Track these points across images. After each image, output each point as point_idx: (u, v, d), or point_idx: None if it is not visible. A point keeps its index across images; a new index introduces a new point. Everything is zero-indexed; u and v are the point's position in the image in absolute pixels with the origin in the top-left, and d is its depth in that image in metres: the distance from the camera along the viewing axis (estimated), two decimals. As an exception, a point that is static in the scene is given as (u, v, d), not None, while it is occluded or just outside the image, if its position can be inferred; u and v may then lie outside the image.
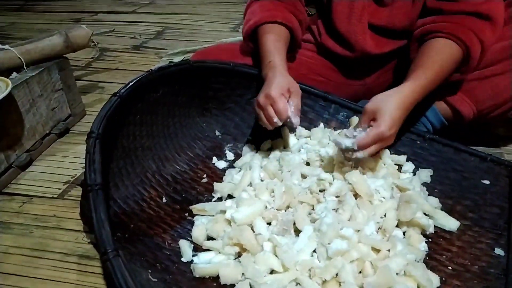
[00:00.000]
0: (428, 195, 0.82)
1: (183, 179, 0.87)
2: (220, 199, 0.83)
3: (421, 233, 0.74)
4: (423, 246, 0.71)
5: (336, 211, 0.72)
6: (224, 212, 0.75)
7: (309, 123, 0.96)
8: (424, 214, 0.75)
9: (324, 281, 0.62)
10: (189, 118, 0.97)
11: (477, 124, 1.02)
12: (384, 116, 0.74)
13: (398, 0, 0.92)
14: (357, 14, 0.94)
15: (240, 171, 0.88)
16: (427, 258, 0.71)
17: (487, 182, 0.83)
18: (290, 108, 0.79)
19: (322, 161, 0.84)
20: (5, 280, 0.74)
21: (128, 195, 0.76)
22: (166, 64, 0.88)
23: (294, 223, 0.71)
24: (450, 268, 0.69)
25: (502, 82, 0.90)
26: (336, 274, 0.63)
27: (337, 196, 0.74)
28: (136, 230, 0.71)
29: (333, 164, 0.83)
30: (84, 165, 0.63)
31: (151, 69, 0.82)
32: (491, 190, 0.82)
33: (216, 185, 0.84)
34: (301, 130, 0.93)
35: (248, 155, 0.92)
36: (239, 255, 0.69)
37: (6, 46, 1.05)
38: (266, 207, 0.75)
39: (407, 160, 0.89)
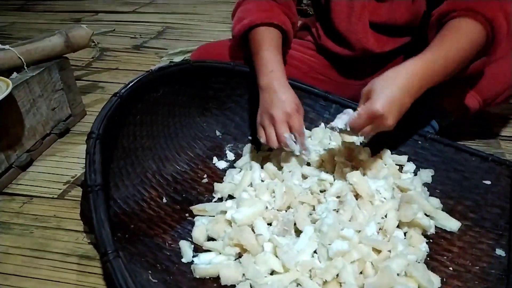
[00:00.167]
0: (429, 195, 0.82)
1: (184, 179, 0.87)
2: (220, 199, 0.83)
3: (422, 234, 0.74)
4: (424, 247, 0.71)
5: (337, 211, 0.71)
6: (224, 212, 0.75)
7: (309, 123, 0.96)
8: (425, 214, 0.75)
9: (325, 282, 0.62)
10: (189, 118, 0.97)
11: (480, 119, 1.01)
12: (377, 93, 0.67)
13: None
14: (357, 13, 0.93)
15: (240, 171, 0.88)
16: (428, 258, 0.70)
17: (488, 182, 0.83)
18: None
19: (322, 161, 0.84)
20: (5, 280, 0.74)
21: (128, 195, 0.76)
22: (167, 64, 0.88)
23: (295, 224, 0.71)
24: (451, 268, 0.69)
25: (501, 68, 0.88)
26: (337, 275, 0.63)
27: (337, 197, 0.74)
28: (136, 230, 0.71)
29: (334, 165, 0.83)
30: (84, 165, 0.63)
31: (151, 69, 0.82)
32: (492, 190, 0.82)
33: (217, 186, 0.84)
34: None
35: (249, 155, 0.91)
36: (239, 255, 0.69)
37: (7, 46, 1.04)
38: (266, 207, 0.75)
39: (408, 160, 0.89)
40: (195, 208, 0.79)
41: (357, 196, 0.75)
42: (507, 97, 0.93)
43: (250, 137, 0.99)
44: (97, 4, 2.43)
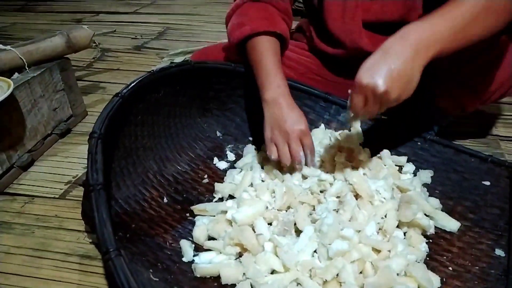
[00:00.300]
0: (429, 196, 0.82)
1: (184, 180, 0.88)
2: (221, 199, 0.83)
3: (422, 234, 0.74)
4: (423, 247, 0.71)
5: (337, 211, 0.72)
6: (225, 212, 0.75)
7: (310, 124, 0.95)
8: (425, 214, 0.76)
9: (325, 282, 0.63)
10: (190, 118, 0.97)
11: (480, 120, 1.00)
12: (362, 66, 0.64)
13: None
14: (350, 12, 0.91)
15: (241, 171, 0.89)
16: (428, 258, 0.71)
17: (487, 183, 0.83)
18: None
19: (322, 161, 0.85)
20: (6, 280, 0.74)
21: (129, 195, 0.76)
22: (168, 65, 0.88)
23: (295, 224, 0.71)
24: (450, 268, 0.70)
25: (496, 66, 0.86)
26: (337, 275, 0.63)
27: (337, 197, 0.75)
28: (137, 230, 0.71)
29: (334, 165, 0.83)
30: (85, 165, 0.63)
31: (152, 70, 0.83)
32: (492, 191, 0.82)
33: (217, 186, 0.84)
34: None
35: (249, 156, 0.92)
36: (240, 255, 0.69)
37: (8, 47, 1.05)
38: (267, 207, 0.75)
39: (408, 161, 0.90)
40: (196, 208, 0.79)
41: (357, 196, 0.75)
42: (502, 94, 0.92)
43: (250, 138, 0.99)
44: (98, 4, 2.43)
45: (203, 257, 0.70)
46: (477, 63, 0.85)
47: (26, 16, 2.27)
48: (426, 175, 0.86)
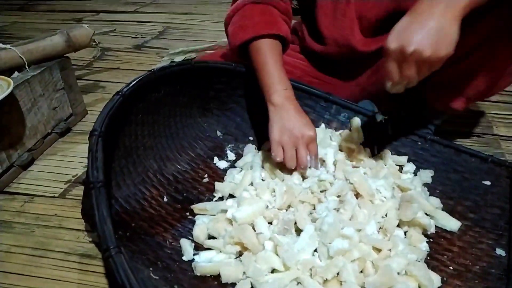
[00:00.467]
0: (429, 195, 0.82)
1: (184, 179, 0.88)
2: (221, 198, 0.83)
3: (422, 233, 0.74)
4: (424, 246, 0.71)
5: (337, 210, 0.72)
6: (225, 211, 0.75)
7: (310, 123, 0.97)
8: (425, 214, 0.76)
9: (325, 280, 0.63)
10: (190, 118, 0.97)
11: (480, 119, 0.99)
12: (390, 32, 0.63)
13: None
14: (341, 8, 0.91)
15: (241, 171, 0.89)
16: (428, 258, 0.71)
17: (488, 183, 0.83)
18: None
19: (323, 161, 0.85)
20: (6, 279, 0.74)
21: (129, 194, 0.76)
22: (168, 64, 0.88)
23: (295, 223, 0.71)
24: (451, 268, 0.69)
25: (480, 69, 0.85)
26: (337, 274, 0.63)
27: (338, 196, 0.75)
28: (137, 229, 0.71)
29: (334, 164, 0.83)
30: (85, 164, 0.63)
31: (153, 69, 0.83)
32: (492, 191, 0.82)
33: (217, 185, 0.84)
34: None
35: (250, 155, 0.92)
36: (240, 254, 0.69)
37: (8, 46, 1.05)
38: (267, 206, 0.75)
39: (408, 161, 0.90)
40: (196, 207, 0.79)
41: (357, 195, 0.75)
42: (491, 93, 0.91)
43: (251, 138, 0.99)
44: (98, 4, 2.43)
45: (203, 256, 0.70)
46: (461, 67, 0.85)
47: (26, 16, 2.27)
48: (426, 175, 0.86)
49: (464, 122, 1.21)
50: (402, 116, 0.96)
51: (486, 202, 0.81)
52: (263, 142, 0.96)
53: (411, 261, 0.65)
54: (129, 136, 0.79)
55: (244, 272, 0.65)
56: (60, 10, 2.33)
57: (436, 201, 0.80)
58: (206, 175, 0.90)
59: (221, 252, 0.70)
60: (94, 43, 1.21)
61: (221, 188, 0.83)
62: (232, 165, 0.93)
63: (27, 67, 1.06)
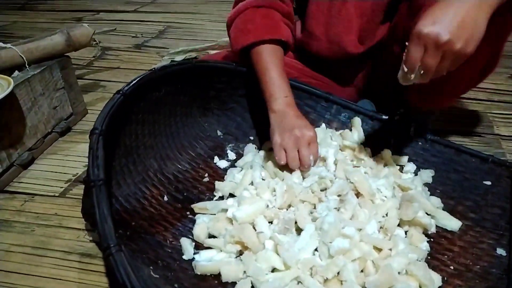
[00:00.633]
0: (430, 195, 0.82)
1: (185, 178, 0.87)
2: (221, 198, 0.83)
3: (423, 233, 0.74)
4: (424, 246, 0.71)
5: (338, 210, 0.72)
6: (225, 210, 0.75)
7: (311, 123, 0.96)
8: (426, 213, 0.76)
9: (326, 280, 0.63)
10: (191, 117, 0.97)
11: (480, 119, 0.98)
12: (421, 18, 0.59)
13: None
14: (337, 8, 0.91)
15: (241, 170, 0.89)
16: (429, 257, 0.71)
17: (488, 183, 0.83)
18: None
19: (324, 160, 0.84)
20: (6, 278, 0.74)
21: (129, 193, 0.76)
22: (169, 63, 0.88)
23: (296, 222, 0.71)
24: (452, 267, 0.69)
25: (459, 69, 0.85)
26: (338, 273, 0.63)
27: (338, 195, 0.74)
28: (137, 228, 0.71)
29: (335, 164, 0.83)
30: (85, 163, 0.63)
31: (154, 68, 0.82)
32: (493, 191, 0.82)
33: (218, 184, 0.84)
34: None
35: (250, 155, 0.92)
36: (240, 253, 0.69)
37: (8, 45, 1.05)
38: (267, 206, 0.75)
39: (409, 161, 0.90)
40: (196, 206, 0.79)
41: (358, 194, 0.75)
42: (470, 88, 0.90)
43: (251, 137, 0.99)
44: (99, 3, 2.43)
45: (203, 255, 0.69)
46: None
47: (26, 15, 2.27)
48: (427, 175, 0.86)
49: (464, 122, 1.21)
50: (399, 114, 0.95)
51: (487, 202, 0.81)
52: (263, 141, 0.96)
53: (411, 261, 0.65)
54: (129, 135, 0.79)
55: (244, 271, 0.65)
56: (61, 10, 2.33)
57: (436, 201, 0.80)
58: (206, 175, 0.89)
59: (221, 251, 0.70)
60: (94, 43, 1.21)
61: (221, 187, 0.83)
62: (233, 164, 0.93)
63: (27, 66, 1.06)
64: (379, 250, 0.67)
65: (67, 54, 1.16)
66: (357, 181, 0.75)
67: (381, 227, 0.72)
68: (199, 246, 0.72)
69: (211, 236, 0.73)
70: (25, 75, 1.03)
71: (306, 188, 0.78)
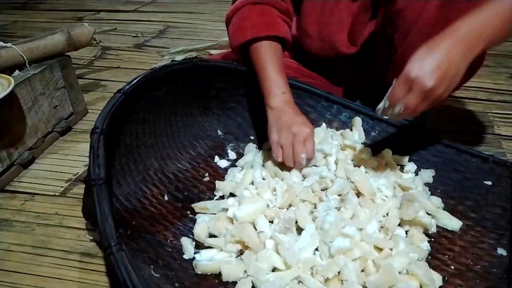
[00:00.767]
0: (430, 195, 0.82)
1: (185, 178, 0.87)
2: (222, 197, 0.83)
3: (424, 232, 0.74)
4: (425, 245, 0.71)
5: (338, 209, 0.72)
6: (226, 210, 0.75)
7: (311, 123, 0.96)
8: (427, 213, 0.75)
9: (327, 279, 0.62)
10: (191, 117, 0.97)
11: (481, 119, 0.98)
12: (411, 59, 0.64)
13: None
14: (330, 7, 0.91)
15: (242, 170, 0.88)
16: (430, 257, 0.71)
17: (489, 182, 0.83)
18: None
19: (324, 157, 0.84)
20: (7, 277, 0.74)
21: (130, 192, 0.76)
22: (170, 63, 0.88)
23: (296, 222, 0.71)
24: (452, 267, 0.69)
25: None
26: (339, 273, 0.63)
27: (339, 195, 0.74)
28: (138, 227, 0.71)
29: (335, 163, 0.83)
30: (86, 163, 0.63)
31: (154, 67, 0.82)
32: (493, 190, 0.82)
33: (218, 184, 0.84)
34: None
35: (250, 154, 0.92)
36: (241, 252, 0.69)
37: (9, 44, 1.05)
38: (268, 205, 0.75)
39: (409, 161, 0.89)
40: (197, 206, 0.79)
41: (358, 194, 0.75)
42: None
43: (251, 137, 0.99)
44: (99, 3, 2.43)
45: (204, 255, 0.69)
46: None
47: (27, 14, 2.27)
48: (427, 175, 0.86)
49: (464, 122, 1.21)
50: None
51: (487, 201, 0.81)
52: (264, 141, 0.95)
53: (412, 260, 0.65)
54: (130, 134, 0.79)
55: (245, 271, 0.65)
56: (61, 9, 2.33)
57: (437, 201, 0.80)
58: (207, 174, 0.89)
59: (222, 250, 0.70)
60: (95, 42, 1.21)
61: (222, 187, 0.83)
62: (233, 164, 0.93)
63: (28, 66, 1.06)
64: (379, 249, 0.67)
65: (67, 53, 1.16)
66: (357, 180, 0.75)
67: (381, 227, 0.72)
68: (199, 246, 0.72)
69: (211, 235, 0.73)
70: (26, 74, 1.03)
71: (307, 187, 0.78)
